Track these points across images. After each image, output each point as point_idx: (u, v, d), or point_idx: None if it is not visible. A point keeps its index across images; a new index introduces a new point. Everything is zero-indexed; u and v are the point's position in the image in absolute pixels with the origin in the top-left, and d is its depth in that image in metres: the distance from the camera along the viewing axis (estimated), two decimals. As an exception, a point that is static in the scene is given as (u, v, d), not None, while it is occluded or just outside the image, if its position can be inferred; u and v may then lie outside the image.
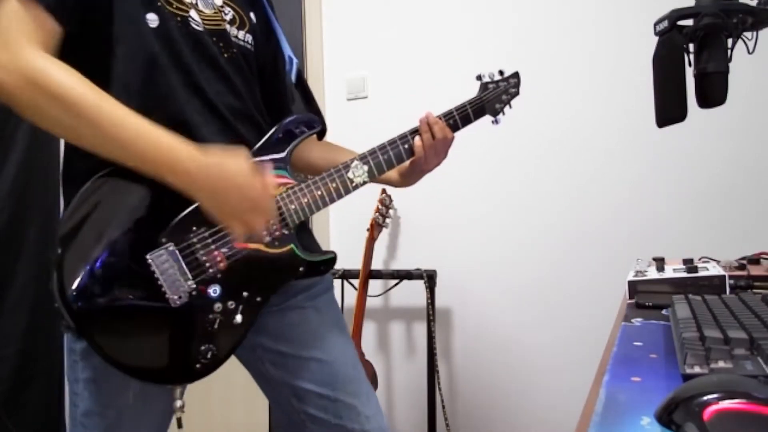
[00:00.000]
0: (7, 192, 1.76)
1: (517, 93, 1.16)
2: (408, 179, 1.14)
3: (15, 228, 1.78)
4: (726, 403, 0.42)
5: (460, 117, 1.08)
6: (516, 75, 1.16)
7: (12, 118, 1.77)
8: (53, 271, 0.80)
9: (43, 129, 0.81)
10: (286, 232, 0.95)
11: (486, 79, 1.14)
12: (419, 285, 1.99)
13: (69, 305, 0.80)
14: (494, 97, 1.12)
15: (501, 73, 1.15)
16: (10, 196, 1.77)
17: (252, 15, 1.03)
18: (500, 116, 1.14)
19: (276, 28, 1.09)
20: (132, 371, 0.85)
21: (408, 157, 1.06)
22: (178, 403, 0.91)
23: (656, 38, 0.85)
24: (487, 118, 1.13)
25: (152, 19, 0.88)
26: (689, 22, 0.82)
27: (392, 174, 1.12)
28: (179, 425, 0.93)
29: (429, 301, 1.95)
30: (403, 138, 1.05)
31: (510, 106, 1.16)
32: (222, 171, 0.84)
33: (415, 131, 1.06)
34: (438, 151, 1.07)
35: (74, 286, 0.80)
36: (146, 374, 0.87)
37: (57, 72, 0.78)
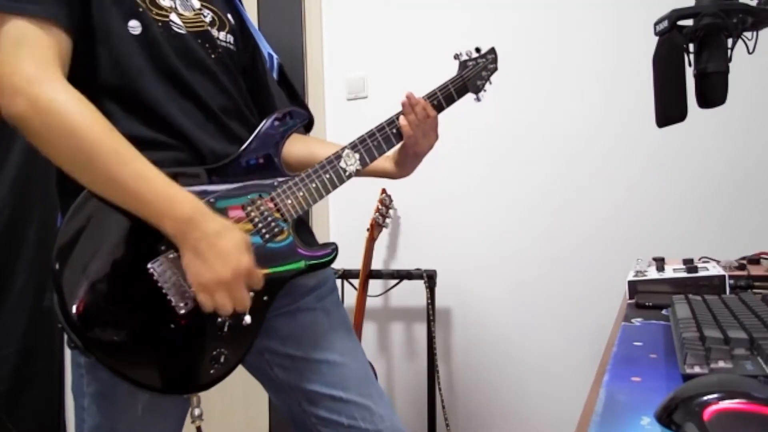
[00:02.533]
0: (7, 192, 1.76)
1: (495, 68, 1.16)
2: (403, 167, 1.13)
3: (15, 228, 1.77)
4: (726, 403, 0.42)
5: (444, 96, 1.09)
6: (493, 51, 1.17)
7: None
8: (53, 290, 0.78)
9: (49, 158, 0.80)
10: (285, 227, 0.94)
11: (464, 57, 1.14)
12: (419, 285, 1.99)
13: (73, 324, 0.78)
14: (474, 74, 1.13)
15: (478, 50, 1.15)
16: (10, 196, 1.76)
17: (229, 16, 1.03)
18: (482, 94, 1.15)
19: (252, 28, 1.09)
20: (146, 384, 0.83)
21: (397, 141, 1.06)
22: (197, 411, 0.89)
23: (656, 38, 0.85)
24: (470, 99, 1.14)
25: (134, 26, 0.86)
26: (689, 22, 0.82)
27: (387, 164, 1.12)
28: None
29: (429, 301, 1.95)
30: (391, 122, 1.05)
31: (490, 82, 1.16)
32: (221, 236, 0.81)
33: (400, 114, 1.06)
34: (426, 131, 1.06)
35: (76, 305, 0.78)
36: (162, 386, 0.85)
37: (71, 102, 0.77)
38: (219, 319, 0.86)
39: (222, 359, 0.87)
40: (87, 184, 0.80)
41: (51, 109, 0.76)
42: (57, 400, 1.90)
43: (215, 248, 0.81)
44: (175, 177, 0.83)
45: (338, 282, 2.06)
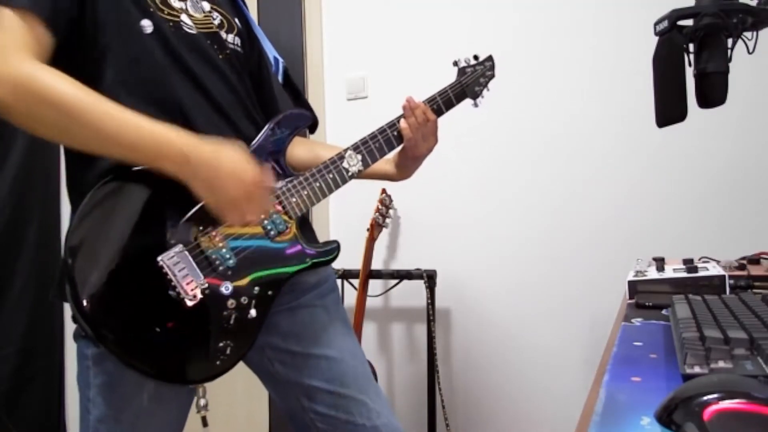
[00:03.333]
0: (7, 192, 1.75)
1: (493, 75, 1.19)
2: (403, 170, 1.16)
3: (15, 228, 1.77)
4: (726, 403, 0.42)
5: (443, 101, 1.12)
6: (490, 58, 1.20)
7: (12, 118, 1.77)
8: (65, 283, 0.80)
9: (40, 136, 0.82)
10: (289, 224, 0.96)
11: (462, 64, 1.18)
12: (419, 285, 1.99)
13: (85, 314, 0.80)
14: (472, 80, 1.16)
15: (476, 57, 1.18)
16: (10, 196, 1.76)
17: (237, 20, 1.05)
18: (480, 99, 1.18)
19: (257, 32, 1.11)
20: (155, 374, 0.85)
21: (398, 143, 1.09)
22: (202, 402, 0.93)
23: (656, 38, 0.85)
24: (468, 103, 1.16)
25: (146, 25, 0.89)
26: (689, 22, 0.82)
27: (387, 167, 1.15)
28: (204, 424, 0.94)
29: (429, 301, 1.95)
30: (392, 125, 1.08)
31: (488, 89, 1.19)
32: (219, 159, 0.84)
33: (401, 117, 1.09)
34: (425, 134, 1.09)
35: (89, 296, 0.80)
36: (169, 376, 0.87)
37: (47, 76, 0.78)
38: (225, 312, 0.88)
39: (228, 351, 0.89)
40: (80, 146, 0.82)
41: (34, 85, 0.77)
42: (57, 400, 1.90)
43: (220, 171, 0.84)
44: None
45: (338, 282, 2.07)
